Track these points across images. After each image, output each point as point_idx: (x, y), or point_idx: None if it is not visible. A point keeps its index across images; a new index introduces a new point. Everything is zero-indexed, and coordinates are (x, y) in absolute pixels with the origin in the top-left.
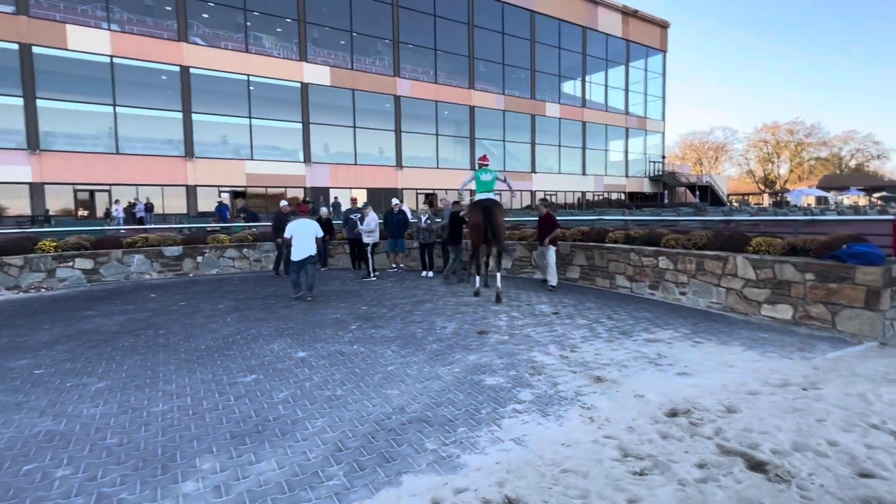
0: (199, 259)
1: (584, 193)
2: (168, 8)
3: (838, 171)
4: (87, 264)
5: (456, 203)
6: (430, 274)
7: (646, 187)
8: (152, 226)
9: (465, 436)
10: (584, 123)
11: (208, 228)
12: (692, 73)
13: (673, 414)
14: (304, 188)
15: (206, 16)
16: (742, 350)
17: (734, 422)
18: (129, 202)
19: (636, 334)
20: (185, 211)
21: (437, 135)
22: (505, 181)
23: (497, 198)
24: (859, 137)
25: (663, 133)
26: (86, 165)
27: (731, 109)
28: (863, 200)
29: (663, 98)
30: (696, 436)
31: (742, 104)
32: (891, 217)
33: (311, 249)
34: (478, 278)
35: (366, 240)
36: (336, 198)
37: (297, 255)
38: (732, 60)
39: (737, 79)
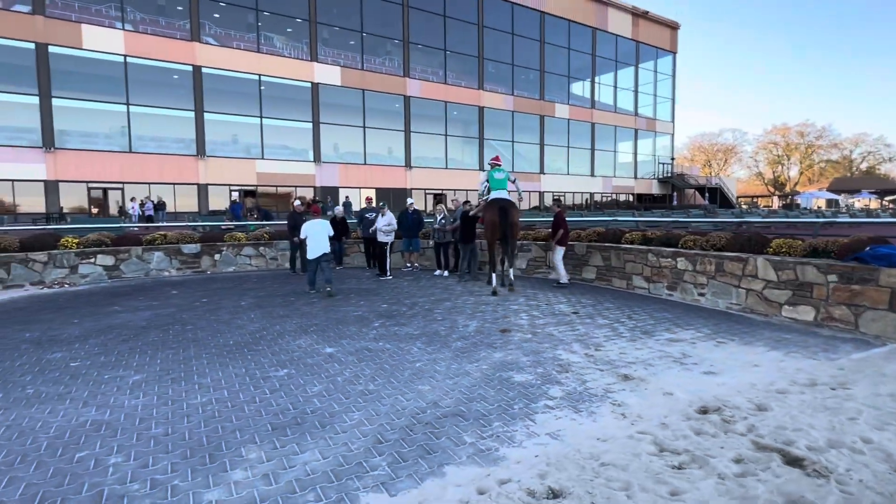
0: (217, 257)
1: (592, 195)
2: (180, 8)
3: (849, 174)
4: (109, 261)
5: (466, 203)
6: (446, 273)
7: (654, 189)
8: (167, 224)
9: (501, 430)
10: (593, 124)
11: (222, 227)
12: (701, 75)
13: (704, 411)
14: (314, 188)
15: (217, 16)
16: (766, 350)
17: (766, 419)
18: (141, 200)
19: (658, 334)
20: (196, 209)
21: (446, 135)
22: (514, 182)
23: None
24: (870, 140)
25: (672, 135)
26: (99, 163)
27: (740, 111)
28: (874, 204)
29: (673, 99)
30: (729, 432)
31: (752, 106)
32: None
33: (326, 248)
34: (494, 276)
35: (384, 239)
36: (347, 197)
37: (312, 253)
38: (742, 61)
39: (746, 80)
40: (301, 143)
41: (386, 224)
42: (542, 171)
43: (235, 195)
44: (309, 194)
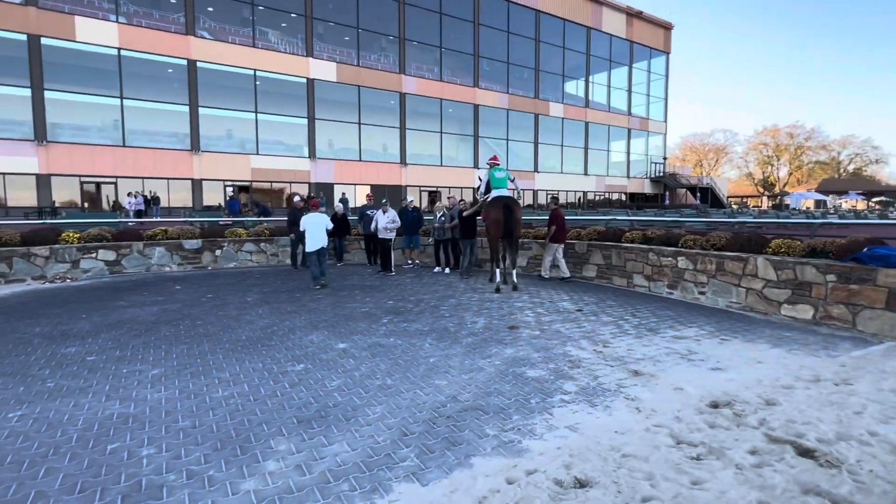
0: (218, 252)
1: (585, 193)
2: (172, 1)
3: (837, 175)
4: (110, 256)
5: (461, 202)
6: (447, 270)
7: (647, 188)
8: (166, 219)
9: (521, 423)
10: (586, 123)
11: (220, 222)
12: (692, 74)
13: (715, 406)
14: (309, 184)
15: (210, 9)
16: (768, 347)
17: (776, 413)
18: (133, 194)
19: (663, 331)
20: (190, 204)
21: (441, 132)
22: (513, 181)
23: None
24: (858, 142)
25: (665, 134)
26: (92, 157)
27: (731, 111)
28: (861, 205)
29: (666, 99)
30: (742, 425)
31: (742, 106)
32: None
33: (324, 241)
34: (498, 272)
35: (387, 235)
36: (343, 194)
37: (310, 246)
38: (733, 62)
39: (737, 81)
40: (296, 138)
41: (389, 221)
42: (535, 170)
43: (231, 191)
44: (303, 190)
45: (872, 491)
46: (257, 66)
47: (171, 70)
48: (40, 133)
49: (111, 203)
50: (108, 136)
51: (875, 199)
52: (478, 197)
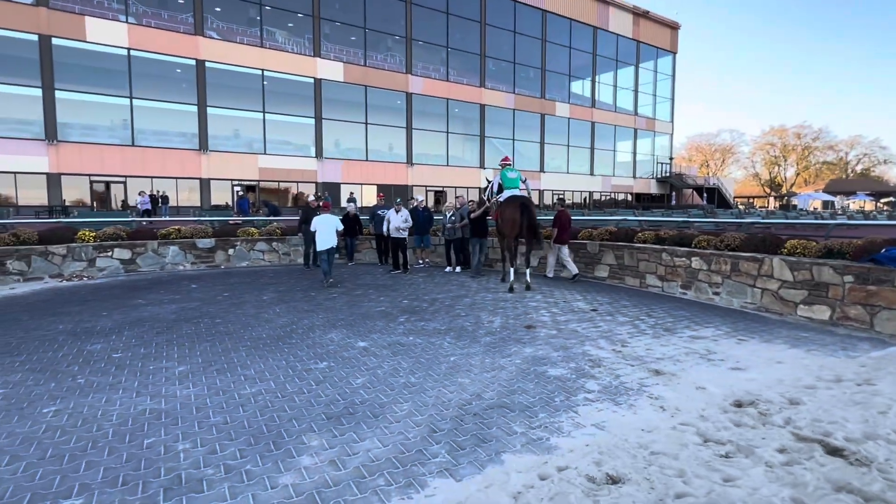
0: (231, 252)
1: (591, 194)
2: (181, 1)
3: (844, 176)
4: (125, 254)
5: (471, 202)
6: (458, 269)
7: (653, 188)
8: (176, 218)
9: (547, 421)
10: (593, 124)
11: (231, 222)
12: (699, 74)
13: (738, 405)
14: (316, 183)
15: (218, 9)
16: (786, 348)
17: (801, 412)
18: (140, 192)
19: (680, 331)
20: (198, 203)
21: (447, 132)
22: (525, 182)
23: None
24: (866, 142)
25: (671, 135)
26: (102, 157)
27: (738, 111)
28: (869, 206)
29: (672, 99)
30: (768, 424)
31: (749, 106)
32: None
33: (333, 241)
34: (512, 271)
35: (400, 235)
36: (352, 193)
37: (321, 245)
38: (740, 62)
39: (744, 80)
40: (303, 138)
41: (403, 221)
42: (542, 170)
43: (241, 191)
44: (311, 190)
45: None
46: (265, 66)
47: (179, 70)
48: (51, 133)
49: (119, 202)
50: (117, 136)
51: (883, 200)
52: (484, 198)
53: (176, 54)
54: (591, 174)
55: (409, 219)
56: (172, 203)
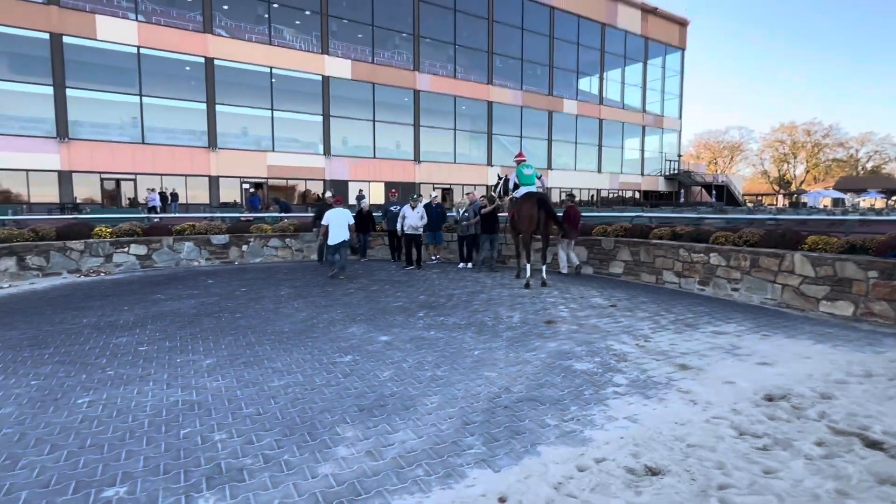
0: (245, 248)
1: (598, 191)
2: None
3: (854, 173)
4: (141, 250)
5: (482, 197)
6: (470, 265)
7: (661, 186)
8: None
9: (579, 414)
10: (600, 121)
11: (242, 219)
12: (708, 71)
13: (770, 399)
14: (324, 180)
15: (227, 7)
16: (812, 343)
17: (835, 407)
18: (153, 189)
19: (702, 327)
20: (207, 201)
21: (454, 129)
22: (540, 178)
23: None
24: (877, 139)
25: (680, 131)
26: (112, 154)
27: (747, 108)
28: (879, 203)
29: (681, 96)
30: (802, 418)
31: (758, 103)
32: None
33: (345, 235)
34: (528, 267)
35: (416, 231)
36: (361, 190)
37: (333, 240)
38: (750, 59)
39: (754, 77)
40: (311, 136)
41: (420, 217)
42: (549, 167)
43: (251, 188)
44: (318, 187)
45: None
46: (273, 63)
47: (188, 68)
48: (62, 130)
49: (127, 200)
50: (127, 134)
51: (895, 198)
52: (495, 195)
53: (185, 52)
54: (599, 171)
55: (425, 215)
56: (182, 200)
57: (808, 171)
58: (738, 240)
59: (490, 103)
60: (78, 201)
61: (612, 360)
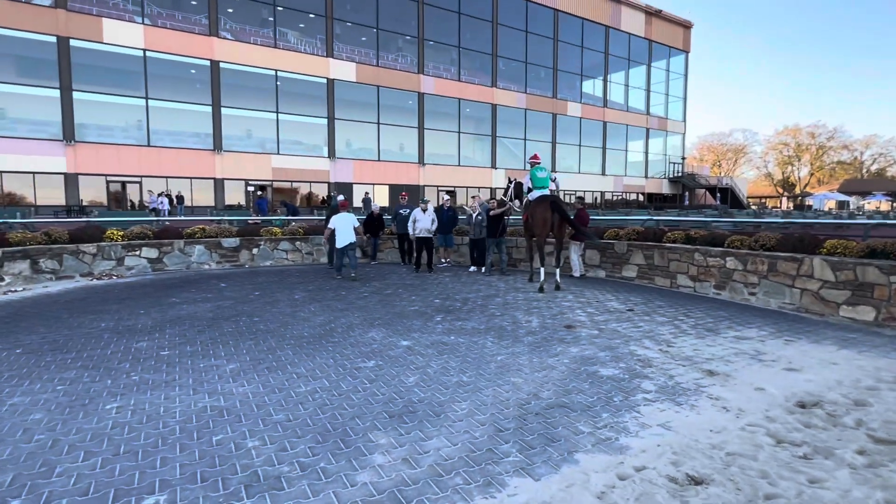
0: (255, 251)
1: (602, 194)
2: (192, 2)
3: (859, 176)
4: (153, 253)
5: (491, 200)
6: (483, 269)
7: (665, 188)
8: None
9: (611, 421)
10: (604, 123)
11: (250, 222)
12: (712, 73)
13: (802, 406)
14: (328, 183)
15: (230, 10)
16: (837, 349)
17: (871, 414)
18: (162, 193)
19: (723, 332)
20: (212, 203)
21: (459, 132)
22: (555, 180)
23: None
24: (881, 142)
25: (684, 134)
26: (118, 157)
27: (750, 111)
28: (885, 206)
29: (684, 99)
30: (839, 426)
31: (762, 105)
32: None
33: (351, 238)
34: (542, 271)
35: (425, 235)
36: (367, 193)
37: (340, 242)
38: (753, 61)
39: (758, 80)
40: (316, 138)
41: (431, 221)
42: (553, 170)
43: (259, 191)
44: (323, 190)
45: None
46: (278, 66)
47: (194, 71)
48: (68, 133)
49: (129, 203)
50: (132, 136)
51: None
52: (505, 198)
53: (190, 55)
54: (603, 174)
55: (436, 219)
56: (187, 203)
57: (812, 174)
58: (755, 244)
59: (494, 106)
60: (84, 204)
61: (638, 365)
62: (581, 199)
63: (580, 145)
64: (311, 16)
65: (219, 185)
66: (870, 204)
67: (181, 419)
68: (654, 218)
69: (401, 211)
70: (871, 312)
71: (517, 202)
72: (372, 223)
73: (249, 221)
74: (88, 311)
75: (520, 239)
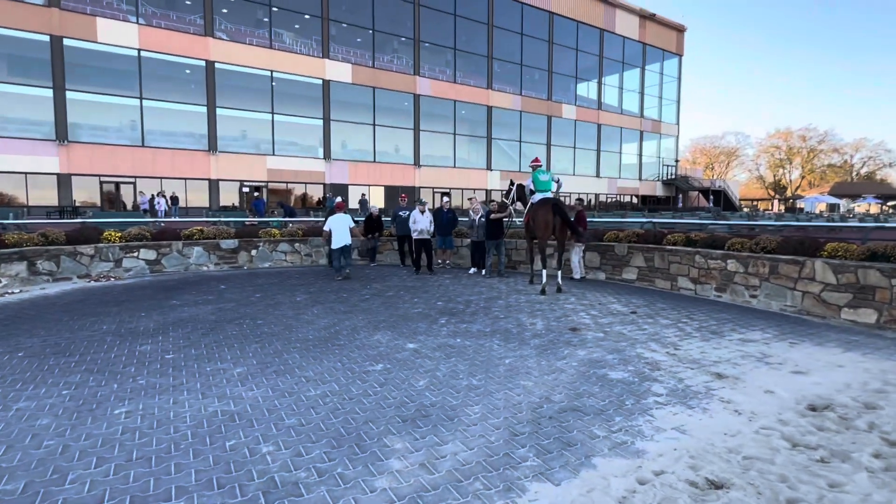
0: (254, 252)
1: (597, 196)
2: (187, 2)
3: (849, 179)
4: (151, 255)
5: (492, 202)
6: (484, 272)
7: (659, 191)
8: (195, 219)
9: (625, 424)
10: (599, 126)
11: (247, 223)
12: (704, 76)
13: (813, 409)
14: (324, 184)
15: (225, 11)
16: (841, 351)
17: (882, 417)
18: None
19: (727, 334)
20: (207, 204)
21: (454, 134)
22: (557, 182)
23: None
24: (871, 145)
25: (677, 137)
26: (112, 157)
27: (743, 114)
28: (874, 208)
29: (678, 102)
30: (851, 429)
31: (754, 109)
32: None
33: (347, 239)
34: (544, 273)
35: (424, 236)
36: (363, 195)
37: (336, 243)
38: (745, 64)
39: (750, 83)
40: (311, 139)
41: (429, 223)
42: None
43: (255, 192)
44: (318, 191)
45: None
46: (274, 67)
47: (189, 71)
48: (61, 133)
49: (122, 204)
50: (126, 137)
51: (890, 203)
52: (506, 201)
53: (185, 55)
54: (598, 176)
55: (433, 220)
56: (182, 204)
57: (803, 177)
58: (756, 246)
59: (490, 108)
60: (77, 204)
61: (646, 368)
62: (581, 200)
63: (575, 147)
64: (307, 17)
65: (213, 185)
66: (860, 206)
67: (192, 424)
68: (653, 220)
69: (400, 213)
70: (872, 315)
71: (518, 204)
72: (371, 225)
73: (246, 223)
74: (88, 314)
75: (519, 241)
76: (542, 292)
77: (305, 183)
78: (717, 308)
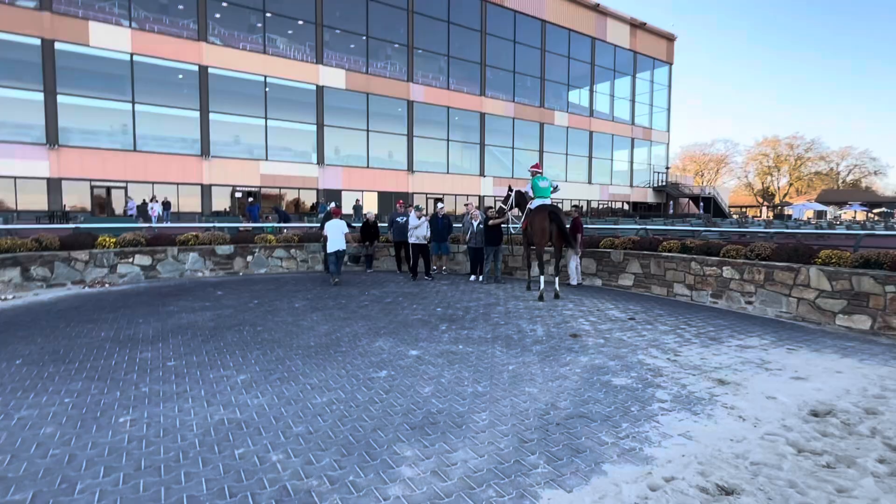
0: (250, 258)
1: (589, 202)
2: (181, 7)
3: (836, 186)
4: (146, 261)
5: (489, 209)
6: (481, 278)
7: (650, 197)
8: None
9: (633, 431)
10: (591, 133)
11: (241, 229)
12: (694, 85)
13: (815, 414)
14: (317, 190)
15: (217, 15)
16: (839, 357)
17: (884, 422)
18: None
19: (726, 340)
20: (199, 210)
21: (447, 140)
22: (556, 188)
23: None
24: (856, 153)
25: (668, 144)
26: (103, 162)
27: (732, 122)
28: (860, 215)
29: (668, 109)
30: (855, 434)
31: (743, 117)
32: None
33: (342, 244)
34: (542, 279)
35: (420, 241)
36: (357, 200)
37: (331, 247)
38: (735, 73)
39: (738, 91)
40: (305, 145)
41: (428, 227)
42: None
43: (250, 197)
44: (311, 196)
45: None
46: (267, 72)
47: (181, 76)
48: (52, 137)
49: (112, 209)
50: (118, 141)
51: (876, 211)
52: (505, 207)
53: (179, 59)
54: (589, 183)
55: (428, 227)
56: (174, 209)
57: (791, 184)
58: (751, 253)
59: (483, 114)
60: (67, 209)
61: (649, 374)
62: (578, 207)
63: (567, 154)
64: (301, 22)
65: (206, 191)
66: (846, 214)
67: (199, 432)
68: (646, 227)
69: (397, 219)
70: (867, 321)
71: (516, 210)
72: (367, 231)
73: (241, 228)
74: (85, 320)
75: (515, 247)
76: (540, 298)
77: (299, 188)
78: (713, 314)
